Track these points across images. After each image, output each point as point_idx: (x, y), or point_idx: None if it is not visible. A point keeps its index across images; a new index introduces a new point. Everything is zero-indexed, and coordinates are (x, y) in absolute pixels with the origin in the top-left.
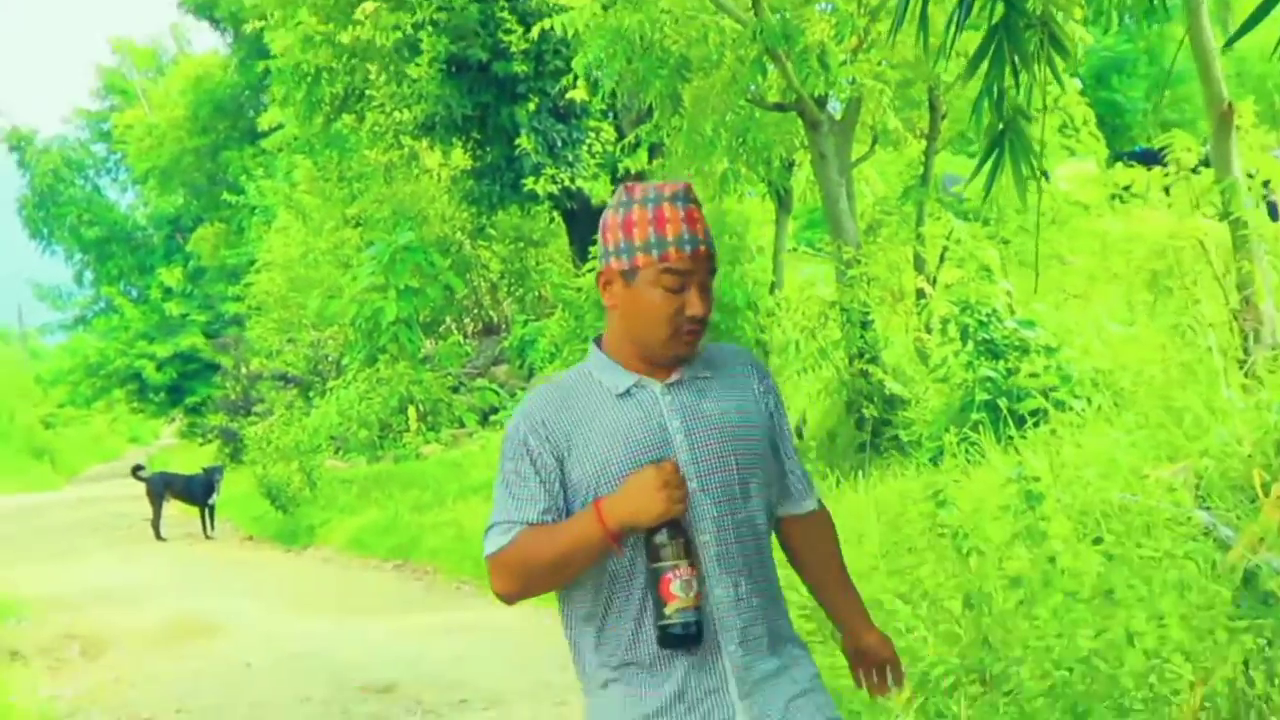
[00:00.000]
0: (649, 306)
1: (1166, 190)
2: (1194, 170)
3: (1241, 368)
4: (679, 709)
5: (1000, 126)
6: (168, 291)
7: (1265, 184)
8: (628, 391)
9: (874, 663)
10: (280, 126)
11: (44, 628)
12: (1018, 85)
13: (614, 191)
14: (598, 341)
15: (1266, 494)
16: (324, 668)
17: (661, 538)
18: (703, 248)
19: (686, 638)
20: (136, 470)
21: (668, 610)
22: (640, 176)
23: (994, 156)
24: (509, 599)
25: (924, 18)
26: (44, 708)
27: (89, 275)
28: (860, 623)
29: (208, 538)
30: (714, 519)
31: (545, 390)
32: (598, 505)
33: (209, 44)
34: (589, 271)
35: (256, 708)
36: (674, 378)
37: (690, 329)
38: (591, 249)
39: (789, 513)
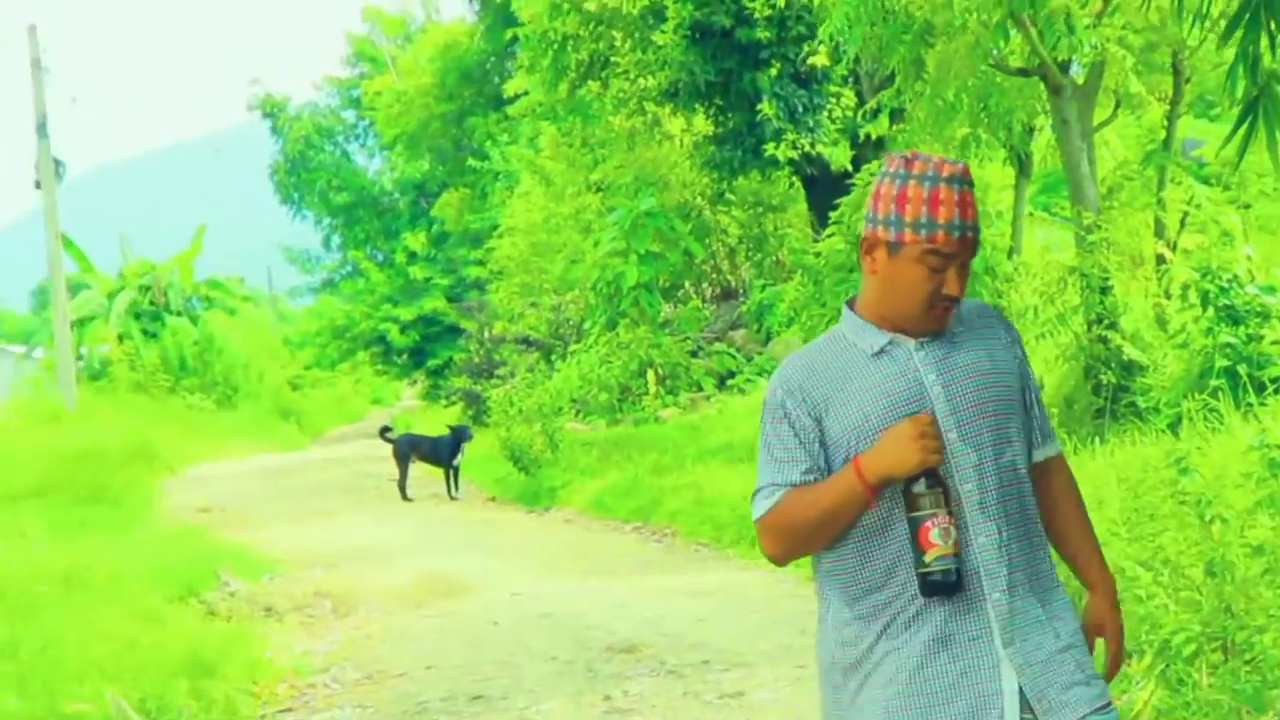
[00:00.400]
0: (908, 282)
1: None
2: None
3: None
4: (943, 658)
5: (1255, 92)
6: (412, 256)
7: None
8: (882, 350)
9: (1093, 633)
10: (526, 93)
11: (296, 585)
12: (1273, 50)
13: (855, 157)
14: (850, 304)
15: None
16: (568, 627)
17: (919, 487)
18: (970, 234)
19: (947, 585)
20: (384, 432)
21: (927, 558)
22: (881, 143)
23: (1247, 122)
24: (778, 561)
25: None
26: (298, 662)
27: (336, 239)
28: (1093, 585)
29: (452, 499)
30: (975, 467)
31: (799, 355)
32: (856, 461)
33: (457, 11)
34: (829, 237)
35: (504, 666)
36: (927, 335)
37: (943, 307)
38: (831, 214)
39: (1033, 460)
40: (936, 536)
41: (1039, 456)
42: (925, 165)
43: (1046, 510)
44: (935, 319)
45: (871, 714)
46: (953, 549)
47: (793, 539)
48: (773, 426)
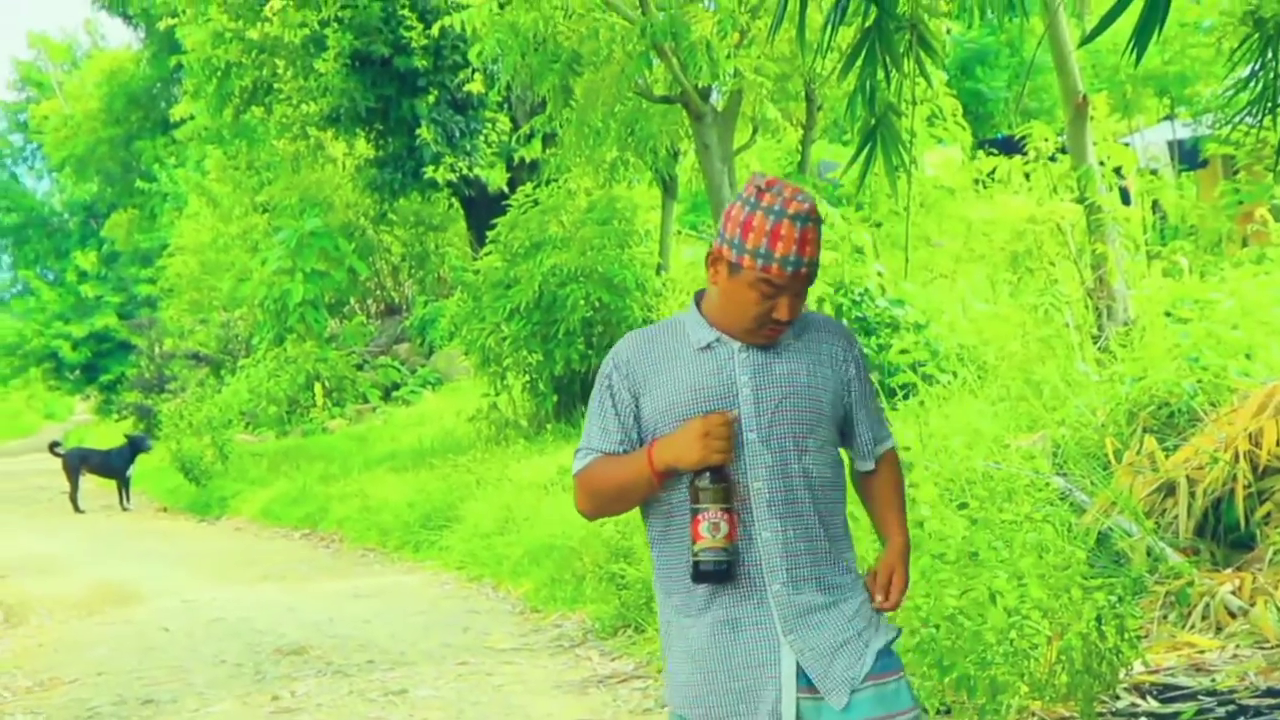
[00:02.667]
0: (742, 301)
1: (1027, 176)
2: (1051, 158)
3: (1095, 343)
4: (727, 635)
5: (873, 121)
6: (83, 274)
7: (1117, 170)
8: (708, 346)
9: (878, 573)
10: (192, 118)
11: None
12: (889, 82)
13: (510, 179)
14: (698, 297)
15: (1118, 461)
16: (238, 632)
17: (702, 482)
18: (804, 270)
19: (714, 574)
20: (53, 447)
21: (695, 548)
22: (535, 165)
23: (867, 149)
24: (588, 516)
25: (801, 18)
26: None
27: (6, 259)
28: (887, 540)
29: (124, 510)
30: (768, 468)
31: (638, 333)
32: (650, 446)
33: (123, 39)
34: (487, 255)
35: (175, 671)
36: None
37: (772, 328)
38: (489, 233)
39: (859, 469)
40: (705, 530)
41: (864, 467)
42: (774, 199)
43: (876, 499)
44: (764, 336)
45: (673, 685)
46: (722, 543)
47: (597, 501)
48: (598, 394)
